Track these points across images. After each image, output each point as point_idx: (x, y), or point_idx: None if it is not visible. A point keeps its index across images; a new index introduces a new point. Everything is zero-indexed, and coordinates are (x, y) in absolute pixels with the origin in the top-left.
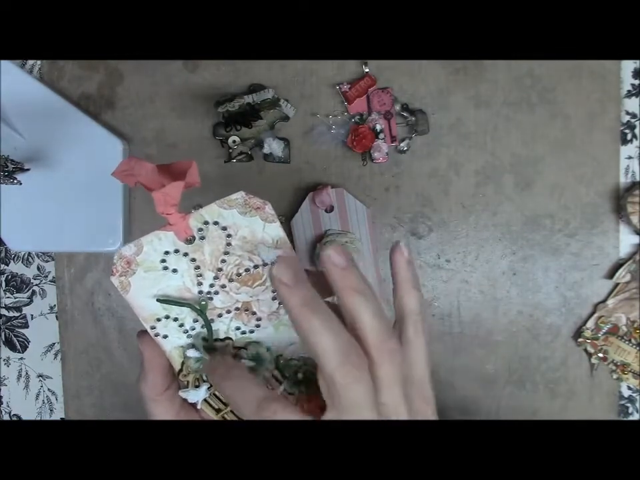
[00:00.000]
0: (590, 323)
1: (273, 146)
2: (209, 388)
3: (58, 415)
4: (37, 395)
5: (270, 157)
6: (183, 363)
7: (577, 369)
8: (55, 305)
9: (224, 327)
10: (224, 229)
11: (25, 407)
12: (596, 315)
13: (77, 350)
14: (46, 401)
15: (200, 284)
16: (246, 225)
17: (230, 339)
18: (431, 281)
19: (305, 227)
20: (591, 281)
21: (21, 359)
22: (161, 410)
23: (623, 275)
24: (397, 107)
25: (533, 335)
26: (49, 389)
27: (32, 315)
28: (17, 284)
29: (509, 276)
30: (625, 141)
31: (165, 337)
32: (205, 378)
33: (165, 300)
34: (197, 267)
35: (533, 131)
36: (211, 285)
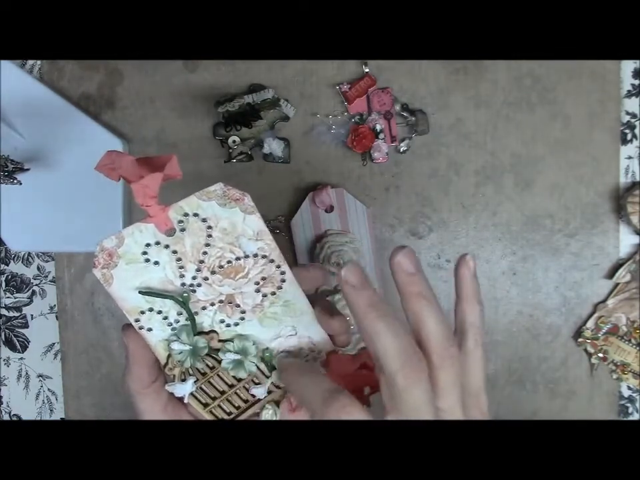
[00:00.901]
0: (590, 323)
1: (273, 146)
2: (195, 382)
3: (58, 415)
4: (37, 395)
5: (270, 157)
6: (168, 356)
7: (577, 368)
8: (54, 305)
9: (208, 320)
10: (204, 220)
11: (25, 406)
12: (596, 315)
13: (76, 350)
14: (46, 401)
15: (182, 276)
16: (226, 216)
17: (215, 331)
18: (431, 281)
19: (305, 227)
20: (591, 281)
21: (21, 359)
22: (148, 404)
23: (623, 275)
24: (397, 107)
25: (533, 334)
26: (48, 389)
27: (32, 315)
28: (16, 284)
29: (508, 276)
30: (624, 141)
31: (150, 330)
32: (190, 372)
33: (147, 292)
34: (179, 259)
35: (533, 131)
36: (194, 277)
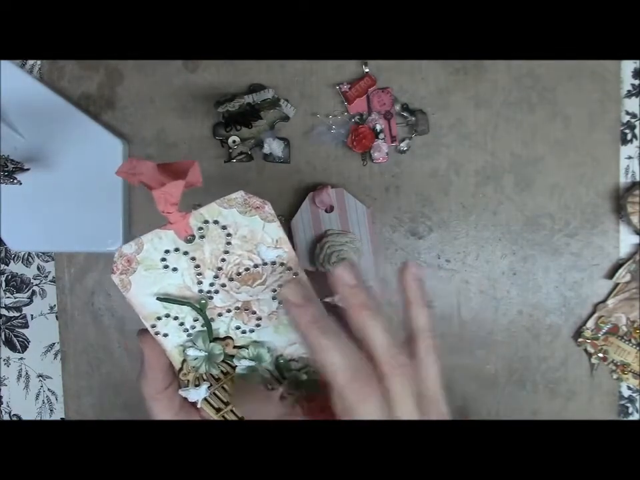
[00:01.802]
0: (590, 323)
1: (273, 146)
2: (209, 387)
3: (58, 415)
4: (37, 395)
5: (270, 157)
6: (183, 362)
7: (577, 368)
8: (54, 305)
9: (224, 326)
10: (224, 228)
11: (25, 406)
12: (596, 315)
13: (76, 350)
14: (46, 401)
15: (200, 283)
16: (246, 224)
17: (230, 338)
18: (431, 281)
19: (305, 227)
20: (591, 281)
21: (21, 359)
22: (161, 408)
23: (623, 275)
24: (397, 107)
25: (533, 334)
26: (48, 389)
27: (32, 315)
28: (16, 284)
29: (508, 276)
30: (624, 141)
31: (165, 335)
32: (205, 377)
33: (165, 298)
34: (197, 266)
35: (533, 131)
36: (211, 284)
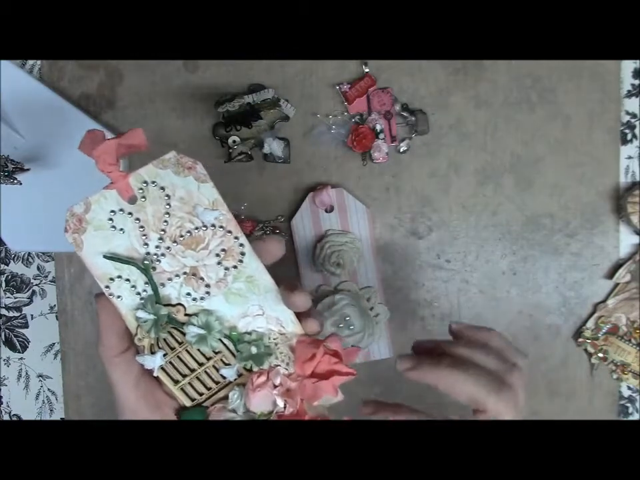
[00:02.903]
0: (590, 323)
1: (273, 146)
2: (164, 355)
3: (58, 415)
4: (37, 395)
5: (270, 157)
6: (138, 327)
7: (577, 369)
8: (54, 305)
9: (175, 292)
10: (162, 189)
11: (25, 406)
12: (596, 315)
13: (76, 350)
14: (46, 401)
15: (146, 245)
16: (182, 185)
17: (182, 305)
18: (431, 281)
19: (305, 227)
20: (591, 281)
21: (21, 359)
22: (120, 373)
23: (622, 275)
24: (397, 107)
25: (533, 334)
26: (48, 389)
27: (32, 315)
28: (16, 284)
29: (509, 276)
30: (625, 141)
31: (119, 297)
32: (159, 345)
33: (110, 257)
34: (142, 227)
35: (533, 131)
36: (157, 247)
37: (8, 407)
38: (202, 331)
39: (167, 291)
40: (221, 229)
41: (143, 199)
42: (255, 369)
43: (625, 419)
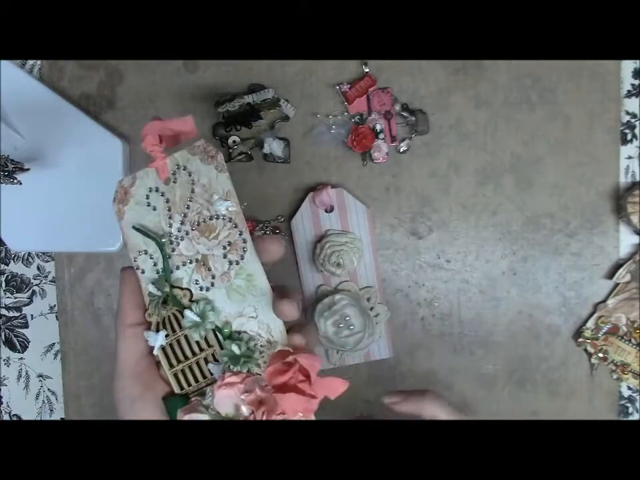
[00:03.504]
0: (590, 323)
1: (273, 146)
2: (166, 336)
3: (58, 415)
4: (37, 395)
5: (270, 157)
6: (150, 302)
7: (576, 368)
8: (54, 305)
9: (186, 278)
10: (189, 174)
11: (25, 406)
12: (596, 315)
13: (76, 350)
14: (46, 401)
15: (170, 225)
16: (205, 172)
17: (189, 290)
18: (431, 281)
19: (305, 227)
20: (591, 281)
21: (21, 359)
22: (124, 345)
23: (622, 275)
24: (397, 107)
25: (533, 334)
26: (49, 389)
27: (32, 315)
28: (16, 284)
29: (509, 276)
30: (625, 141)
31: (143, 272)
32: (164, 325)
33: (136, 228)
34: (169, 208)
35: (533, 131)
36: (178, 230)
37: (8, 406)
38: (197, 318)
39: (180, 275)
40: (230, 222)
41: (174, 182)
42: (233, 368)
43: (625, 419)
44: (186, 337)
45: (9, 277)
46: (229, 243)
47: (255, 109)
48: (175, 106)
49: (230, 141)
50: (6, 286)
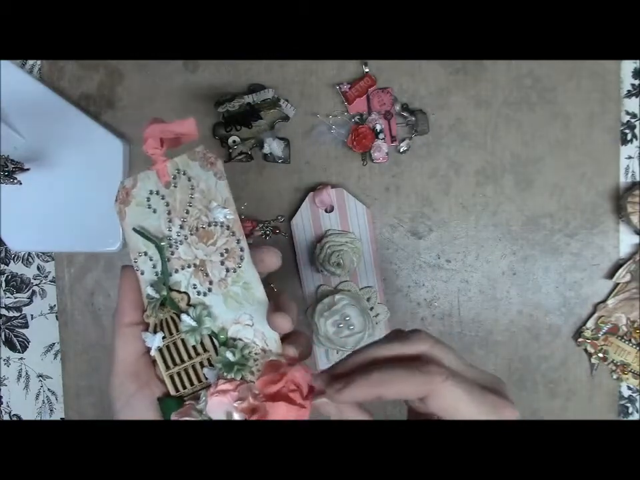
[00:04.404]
0: (590, 323)
1: (273, 146)
2: (163, 338)
3: (58, 415)
4: (37, 395)
5: (270, 157)
6: (149, 303)
7: (576, 368)
8: (54, 305)
9: (185, 282)
10: (189, 179)
11: (25, 406)
12: (596, 315)
13: (76, 350)
14: (46, 401)
15: (170, 229)
16: (205, 178)
17: (187, 294)
18: (431, 281)
19: (305, 227)
20: (591, 281)
21: (21, 359)
22: (121, 343)
23: (622, 275)
24: (397, 107)
25: (533, 334)
26: (48, 389)
27: (32, 315)
28: (16, 284)
29: (508, 276)
30: (624, 141)
31: (142, 273)
32: (162, 326)
33: (138, 231)
34: (169, 212)
35: (533, 131)
36: (178, 234)
37: (8, 406)
38: (194, 323)
39: (179, 278)
40: (227, 229)
41: (175, 186)
42: (226, 375)
43: (625, 419)
44: (182, 340)
45: (9, 276)
46: (227, 250)
47: (255, 109)
48: (175, 106)
49: (230, 140)
50: (6, 286)
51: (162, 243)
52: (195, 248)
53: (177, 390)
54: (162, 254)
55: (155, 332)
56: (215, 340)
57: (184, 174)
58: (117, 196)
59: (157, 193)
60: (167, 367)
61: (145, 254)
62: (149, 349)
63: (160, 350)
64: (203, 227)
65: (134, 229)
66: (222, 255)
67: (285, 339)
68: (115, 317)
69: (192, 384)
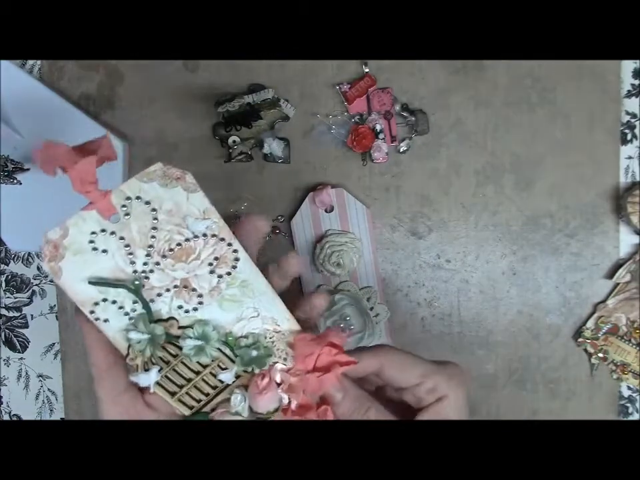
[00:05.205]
0: (590, 323)
1: (273, 146)
2: (159, 370)
3: (58, 415)
4: (37, 395)
5: (270, 157)
6: (129, 347)
7: (576, 369)
8: (54, 305)
9: (166, 307)
10: (147, 203)
11: (25, 406)
12: (596, 315)
13: (76, 350)
14: (46, 401)
15: (133, 263)
16: (169, 197)
17: (174, 318)
18: (431, 281)
19: (305, 227)
20: (591, 281)
21: (21, 359)
22: (105, 389)
23: (622, 275)
24: (397, 107)
25: (533, 334)
26: (48, 389)
27: (32, 315)
28: (16, 284)
29: (508, 276)
30: (624, 141)
31: (106, 321)
32: (153, 360)
33: (97, 282)
34: (127, 246)
35: (533, 131)
36: (145, 264)
37: (8, 406)
38: (199, 342)
39: (158, 307)
40: (213, 238)
41: (127, 216)
42: (257, 371)
43: (625, 419)
44: (182, 361)
45: (9, 276)
46: (216, 259)
47: (255, 109)
48: (175, 106)
49: (230, 140)
50: (6, 286)
51: (136, 282)
52: (170, 270)
53: (190, 408)
54: (139, 293)
55: (145, 369)
56: (223, 345)
57: (137, 199)
58: (41, 255)
59: (103, 231)
60: (172, 394)
61: (104, 300)
62: (130, 387)
63: (157, 382)
64: (178, 246)
65: (91, 282)
66: (210, 264)
67: (298, 306)
68: (90, 368)
69: (207, 394)
